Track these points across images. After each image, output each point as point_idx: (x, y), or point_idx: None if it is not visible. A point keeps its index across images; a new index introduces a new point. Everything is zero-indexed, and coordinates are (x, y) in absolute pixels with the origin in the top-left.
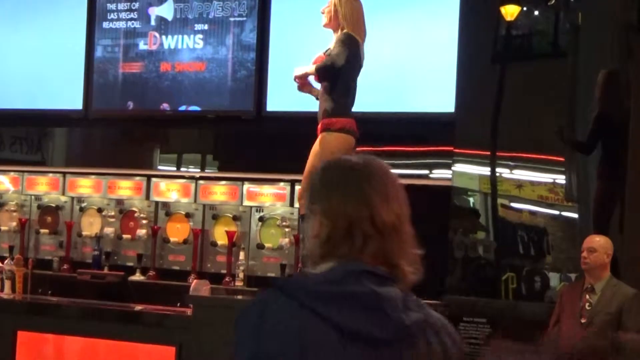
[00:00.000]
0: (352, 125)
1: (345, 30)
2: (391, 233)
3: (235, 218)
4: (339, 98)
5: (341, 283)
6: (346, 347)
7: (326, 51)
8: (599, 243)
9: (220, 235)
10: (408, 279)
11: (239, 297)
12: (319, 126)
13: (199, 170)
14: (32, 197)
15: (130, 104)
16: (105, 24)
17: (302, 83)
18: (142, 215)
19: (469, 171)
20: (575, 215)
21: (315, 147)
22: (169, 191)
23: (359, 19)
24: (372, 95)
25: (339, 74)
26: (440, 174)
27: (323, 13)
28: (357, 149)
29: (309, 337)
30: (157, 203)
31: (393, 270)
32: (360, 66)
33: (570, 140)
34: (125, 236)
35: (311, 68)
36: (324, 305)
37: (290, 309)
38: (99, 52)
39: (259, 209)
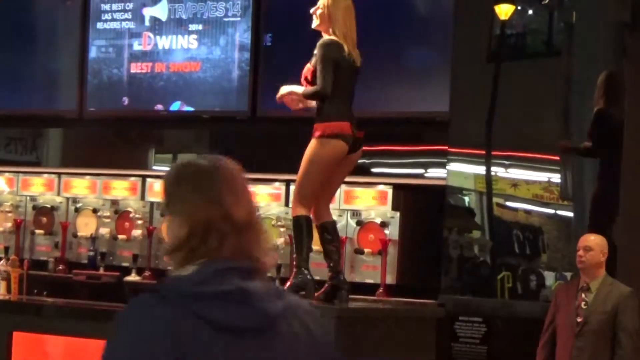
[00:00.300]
0: (343, 130)
1: (326, 38)
2: (246, 229)
3: None
4: (330, 103)
5: (210, 282)
6: (218, 341)
7: (312, 60)
8: (594, 242)
9: None
10: (266, 270)
11: None
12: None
13: None
14: (27, 197)
15: (125, 100)
16: (99, 25)
17: (289, 100)
18: (137, 215)
19: (463, 170)
20: (571, 214)
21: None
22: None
23: (349, 20)
24: (366, 94)
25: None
26: (435, 173)
27: (314, 14)
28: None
29: (185, 336)
30: (152, 203)
31: (253, 264)
32: (351, 67)
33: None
34: (120, 237)
35: (299, 90)
36: (197, 304)
37: (165, 310)
38: (93, 52)
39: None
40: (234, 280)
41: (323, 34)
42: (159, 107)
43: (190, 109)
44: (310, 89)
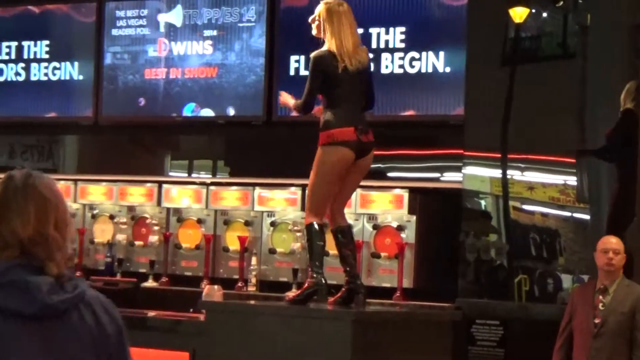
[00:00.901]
0: (347, 136)
1: (314, 52)
2: (31, 242)
3: (246, 223)
4: (330, 110)
5: (4, 275)
6: (9, 325)
7: None
8: (619, 244)
9: (232, 241)
10: (54, 271)
11: (252, 302)
12: None
13: (210, 176)
14: None
15: (142, 100)
16: (114, 31)
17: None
18: (153, 221)
19: (479, 173)
20: (587, 217)
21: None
22: (181, 197)
23: (345, 25)
24: (382, 98)
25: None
26: (451, 177)
27: (312, 23)
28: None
29: None
30: (168, 209)
31: (39, 263)
32: (348, 73)
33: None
34: (137, 243)
35: (292, 103)
36: None
37: None
38: (108, 59)
39: (271, 213)
40: (20, 274)
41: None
42: (175, 113)
43: (206, 114)
44: (297, 102)
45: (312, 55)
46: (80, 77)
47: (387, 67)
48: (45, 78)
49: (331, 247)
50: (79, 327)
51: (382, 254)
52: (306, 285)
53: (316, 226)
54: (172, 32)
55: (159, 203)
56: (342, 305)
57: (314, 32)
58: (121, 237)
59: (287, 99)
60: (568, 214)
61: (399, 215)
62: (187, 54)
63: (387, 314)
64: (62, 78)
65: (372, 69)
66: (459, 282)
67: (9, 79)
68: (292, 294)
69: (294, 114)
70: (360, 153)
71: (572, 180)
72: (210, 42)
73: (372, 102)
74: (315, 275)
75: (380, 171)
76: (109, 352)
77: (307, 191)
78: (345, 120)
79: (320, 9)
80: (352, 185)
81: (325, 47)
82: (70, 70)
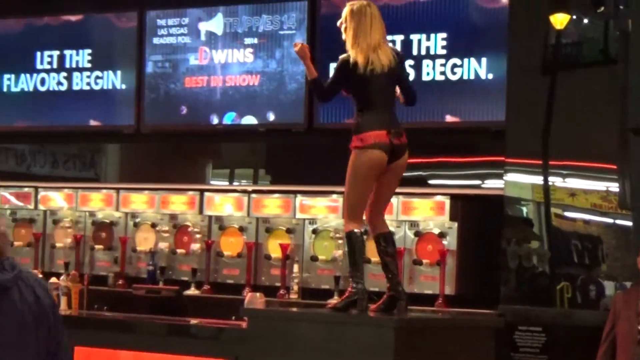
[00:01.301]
0: (378, 139)
1: (341, 56)
2: None
3: (288, 231)
4: (362, 113)
5: None
6: None
7: None
8: None
9: (274, 248)
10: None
11: (294, 309)
12: None
13: (251, 183)
14: (87, 213)
15: (184, 109)
16: (156, 40)
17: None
18: (195, 229)
19: (521, 180)
20: (630, 223)
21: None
22: (222, 205)
23: (364, 27)
24: (424, 105)
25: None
26: (492, 184)
27: (340, 27)
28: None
29: None
30: (210, 217)
31: None
32: (375, 75)
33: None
34: (179, 251)
35: (310, 66)
36: None
37: None
38: (149, 67)
39: (312, 221)
40: None
41: None
42: (216, 120)
43: (247, 122)
44: (319, 84)
45: (342, 58)
46: (122, 86)
47: (428, 74)
48: (88, 87)
49: (373, 254)
50: (20, 302)
51: (424, 261)
52: (347, 293)
53: (357, 233)
54: (213, 40)
55: (200, 211)
56: (384, 313)
57: (343, 36)
58: (163, 245)
59: (306, 52)
60: (610, 220)
61: (441, 222)
62: (228, 62)
63: (429, 320)
64: (104, 87)
65: (405, 65)
66: (501, 289)
67: (51, 89)
68: (333, 302)
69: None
70: (393, 156)
71: (614, 187)
72: (251, 50)
73: (412, 98)
74: (356, 284)
75: (421, 178)
76: (48, 324)
77: (343, 198)
78: (376, 123)
79: (344, 11)
80: (390, 189)
81: (346, 54)
82: (112, 79)
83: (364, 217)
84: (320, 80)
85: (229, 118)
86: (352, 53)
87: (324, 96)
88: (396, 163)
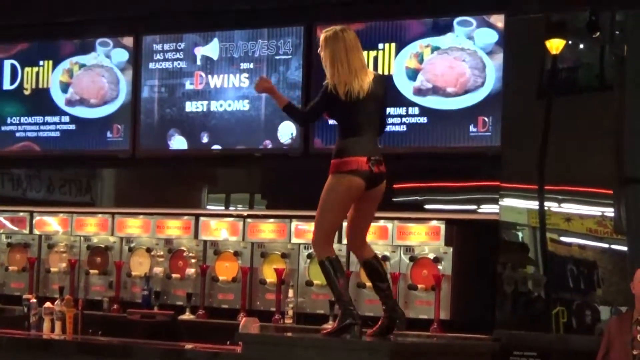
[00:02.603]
0: (358, 165)
1: (325, 82)
2: None
3: (283, 255)
4: (343, 138)
5: None
6: None
7: None
8: None
9: (269, 273)
10: None
11: (289, 334)
12: None
13: (247, 208)
14: (82, 238)
15: (204, 135)
16: (152, 64)
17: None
18: (190, 254)
19: (516, 205)
20: (625, 248)
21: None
22: (218, 230)
23: (340, 54)
24: (417, 130)
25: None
26: (488, 209)
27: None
28: (402, 185)
29: None
30: (205, 242)
31: None
32: (357, 101)
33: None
34: (174, 275)
35: (278, 96)
36: None
37: None
38: (145, 92)
39: (307, 246)
40: None
41: None
42: (212, 145)
43: (243, 147)
44: (294, 109)
45: (324, 85)
46: (118, 111)
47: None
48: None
49: (367, 279)
50: None
51: (419, 286)
52: (340, 319)
53: (330, 260)
54: (209, 65)
55: (196, 236)
56: (381, 336)
57: (323, 65)
58: (158, 270)
59: (265, 85)
60: (606, 245)
61: (436, 247)
62: (223, 86)
63: (424, 345)
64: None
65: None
66: (496, 314)
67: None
68: (328, 327)
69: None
70: (371, 183)
71: (609, 212)
72: (246, 74)
73: (382, 127)
74: (345, 312)
75: (417, 203)
76: None
77: (314, 221)
78: (357, 149)
79: (320, 40)
80: (368, 216)
81: (326, 81)
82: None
83: (346, 247)
84: (292, 104)
85: (226, 145)
86: (331, 80)
87: (303, 119)
88: (374, 189)
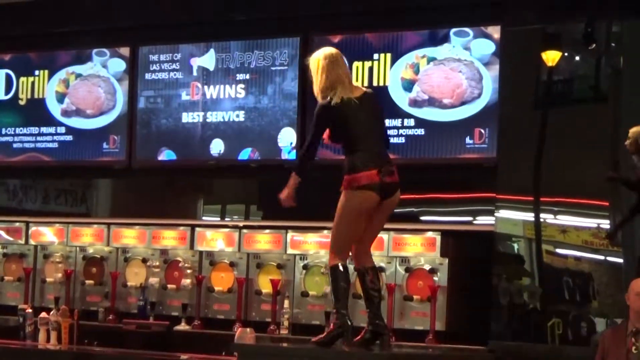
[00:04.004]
0: (369, 179)
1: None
2: None
3: (279, 266)
4: (349, 155)
5: None
6: None
7: None
8: None
9: (264, 284)
10: None
11: (284, 345)
12: None
13: (242, 219)
14: (77, 248)
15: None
16: (148, 75)
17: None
18: (186, 265)
19: (512, 217)
20: (620, 260)
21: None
22: (213, 240)
23: (326, 72)
24: (413, 141)
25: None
26: (484, 220)
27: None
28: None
29: None
30: (201, 252)
31: None
32: (355, 115)
33: (623, 179)
34: (170, 286)
35: (290, 182)
36: None
37: None
38: (141, 102)
39: (303, 257)
40: None
41: None
42: (207, 156)
43: (239, 157)
44: (295, 162)
45: (317, 105)
46: (114, 121)
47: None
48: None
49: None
50: None
51: (415, 297)
52: (331, 327)
53: (341, 268)
54: (205, 76)
55: (191, 246)
56: (364, 347)
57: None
58: (154, 281)
59: (288, 196)
60: (601, 257)
61: (432, 258)
62: (220, 97)
63: (420, 356)
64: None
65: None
66: (491, 325)
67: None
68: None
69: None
70: (385, 194)
71: (605, 224)
72: (243, 85)
73: (387, 142)
74: (340, 318)
75: (412, 214)
76: None
77: (331, 234)
78: (366, 162)
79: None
80: (379, 226)
81: (320, 102)
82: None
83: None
84: (298, 164)
85: (224, 156)
86: (321, 96)
87: (310, 155)
88: (389, 200)
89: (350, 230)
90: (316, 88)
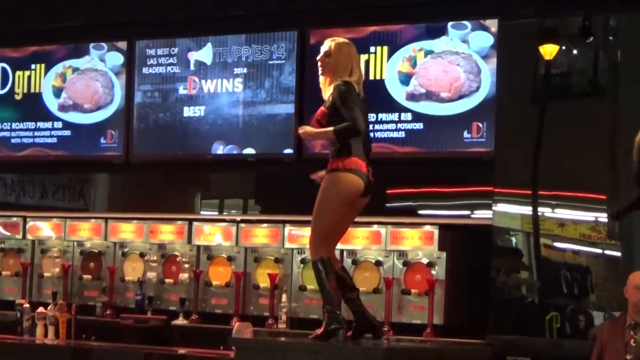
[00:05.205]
0: (360, 166)
1: (339, 81)
2: None
3: (277, 260)
4: (345, 142)
5: None
6: None
7: (325, 103)
8: None
9: (262, 278)
10: None
11: (282, 339)
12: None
13: (240, 213)
14: (75, 243)
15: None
16: (145, 69)
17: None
18: (184, 259)
19: (510, 211)
20: (618, 254)
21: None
22: (211, 235)
23: (354, 64)
24: (410, 135)
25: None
26: (481, 214)
27: (320, 62)
28: (395, 190)
29: None
30: (199, 247)
31: None
32: (360, 108)
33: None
34: (167, 280)
35: (324, 131)
36: None
37: None
38: (138, 97)
39: (301, 251)
40: None
41: (327, 80)
42: (205, 150)
43: (236, 152)
44: (341, 125)
45: (339, 84)
46: (112, 116)
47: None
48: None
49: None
50: None
51: (413, 291)
52: (326, 322)
53: (323, 261)
54: (203, 70)
55: (189, 241)
56: (359, 339)
57: (321, 70)
58: (151, 275)
59: (308, 130)
60: (599, 250)
61: (429, 252)
62: (217, 91)
63: (418, 350)
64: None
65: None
66: (489, 319)
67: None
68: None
69: (316, 147)
70: (366, 191)
71: (603, 217)
72: (240, 79)
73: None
74: (332, 312)
75: (410, 208)
76: None
77: (312, 221)
78: (361, 152)
79: (330, 45)
80: (349, 222)
81: (345, 79)
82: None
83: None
84: (336, 127)
85: (220, 151)
86: (349, 79)
87: (357, 128)
88: (363, 200)
89: (334, 215)
90: (344, 73)
